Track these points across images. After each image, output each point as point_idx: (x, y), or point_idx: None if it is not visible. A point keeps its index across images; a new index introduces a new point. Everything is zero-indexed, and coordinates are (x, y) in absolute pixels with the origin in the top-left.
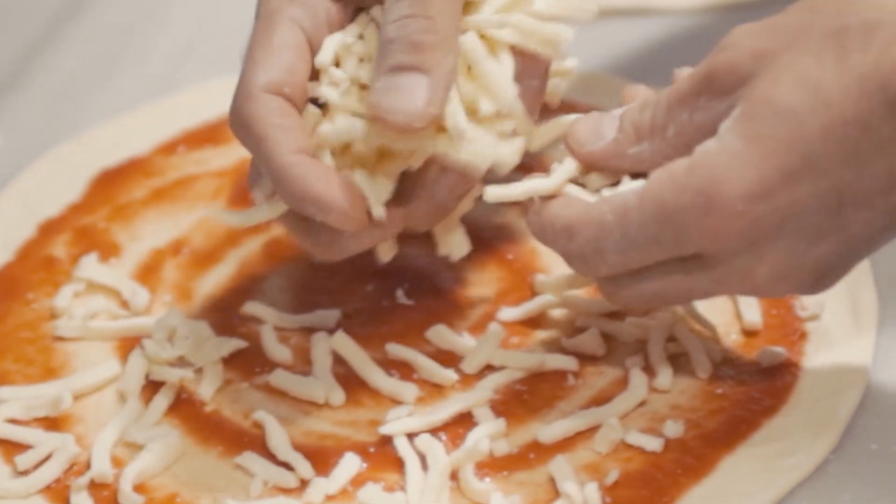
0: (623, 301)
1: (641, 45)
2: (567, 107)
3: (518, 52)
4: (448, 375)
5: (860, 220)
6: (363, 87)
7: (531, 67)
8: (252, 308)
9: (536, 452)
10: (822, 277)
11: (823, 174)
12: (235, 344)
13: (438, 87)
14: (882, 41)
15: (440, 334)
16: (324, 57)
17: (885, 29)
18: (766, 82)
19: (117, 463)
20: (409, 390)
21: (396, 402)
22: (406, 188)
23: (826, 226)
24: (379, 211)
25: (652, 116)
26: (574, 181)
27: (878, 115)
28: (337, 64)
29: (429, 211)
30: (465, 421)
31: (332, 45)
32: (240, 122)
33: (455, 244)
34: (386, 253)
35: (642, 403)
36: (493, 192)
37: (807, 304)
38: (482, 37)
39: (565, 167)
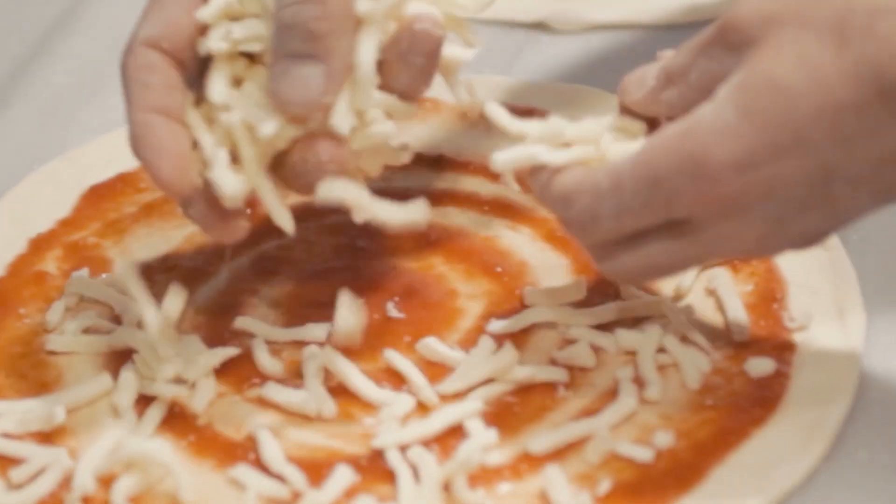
0: (616, 272)
1: (623, 58)
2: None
3: (404, 27)
4: (430, 397)
5: (846, 197)
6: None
7: (416, 43)
8: (243, 322)
9: (528, 463)
10: (808, 240)
11: (813, 152)
12: (227, 353)
13: (334, 75)
14: (883, 31)
15: (430, 347)
16: (206, 12)
17: (887, 19)
18: (768, 54)
19: (110, 477)
20: (401, 402)
21: (388, 414)
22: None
23: (812, 199)
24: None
25: (681, 62)
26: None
27: (872, 103)
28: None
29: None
30: (456, 433)
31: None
32: (121, 74)
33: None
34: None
35: (633, 414)
36: (501, 159)
37: (795, 314)
38: None
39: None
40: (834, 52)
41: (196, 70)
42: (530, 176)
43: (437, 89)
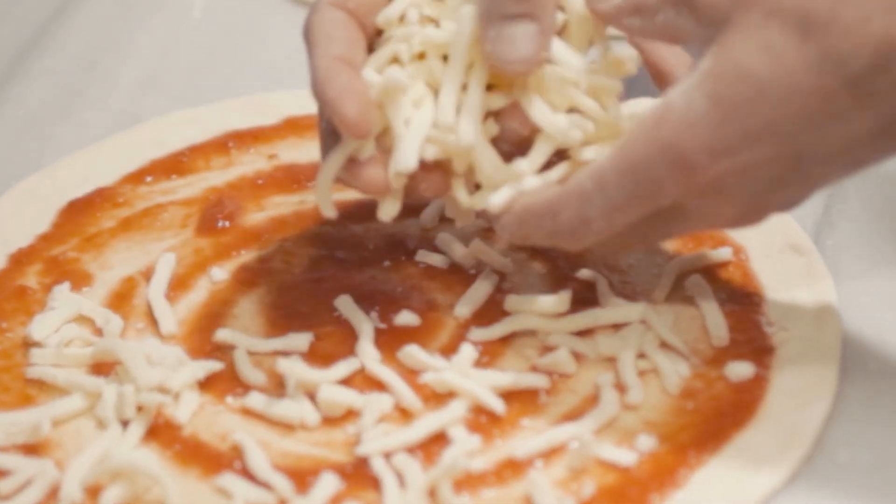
0: (612, 252)
1: None
2: None
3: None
4: (413, 403)
5: (820, 172)
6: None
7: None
8: (224, 335)
9: (512, 469)
10: (789, 206)
11: (783, 136)
12: (211, 366)
13: (547, 32)
14: (845, 21)
15: (412, 355)
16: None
17: (849, 9)
18: (735, 41)
19: (97, 488)
20: (380, 402)
21: (370, 417)
22: None
23: (788, 176)
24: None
25: None
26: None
27: (837, 89)
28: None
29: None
30: (439, 440)
31: None
32: (304, 31)
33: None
34: (387, 211)
35: (615, 419)
36: (496, 201)
37: (773, 319)
38: None
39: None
40: (798, 41)
41: (372, 40)
42: (495, 220)
43: None
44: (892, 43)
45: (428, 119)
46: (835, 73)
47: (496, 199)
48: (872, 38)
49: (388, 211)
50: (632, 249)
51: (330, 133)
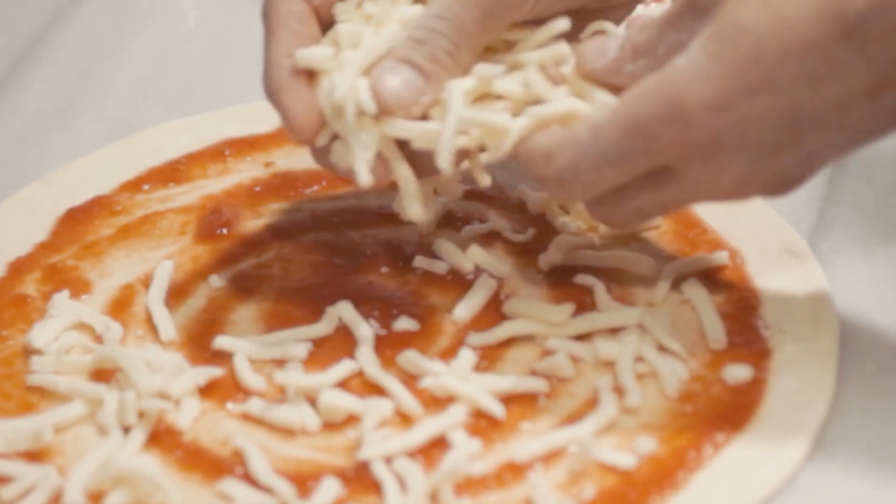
0: (605, 221)
1: None
2: None
3: None
4: (413, 406)
5: (817, 136)
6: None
7: None
8: (223, 342)
9: (512, 472)
10: (784, 184)
11: (782, 91)
12: (212, 373)
13: (430, 96)
14: None
15: (411, 360)
16: None
17: None
18: (735, 3)
19: (100, 494)
20: (380, 407)
21: (370, 423)
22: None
23: (785, 140)
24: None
25: (647, 37)
26: None
27: (835, 40)
28: None
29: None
30: (439, 444)
31: None
32: (264, 13)
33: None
34: (413, 211)
35: (614, 423)
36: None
37: (770, 322)
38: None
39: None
40: None
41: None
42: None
43: None
44: None
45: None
46: (832, 22)
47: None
48: None
49: (413, 210)
50: (624, 222)
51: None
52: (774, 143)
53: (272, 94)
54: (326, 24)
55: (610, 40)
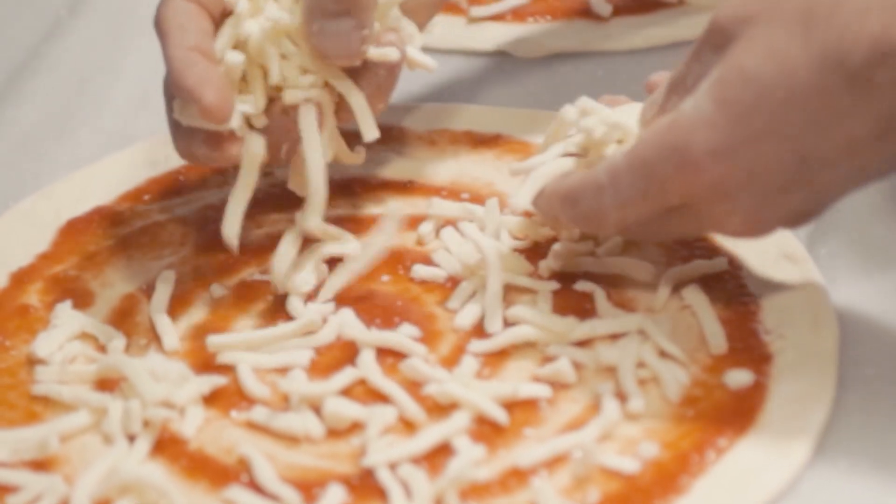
0: (639, 239)
1: (585, 83)
2: (509, 143)
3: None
4: (417, 413)
5: (825, 177)
6: None
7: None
8: (227, 356)
9: (517, 478)
10: (798, 218)
11: (786, 138)
12: (215, 381)
13: (367, 26)
14: (845, 17)
15: (413, 367)
16: None
17: (847, 7)
18: (740, 49)
19: (106, 502)
20: (384, 414)
21: (374, 430)
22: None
23: (792, 181)
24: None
25: (679, 71)
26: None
27: (838, 87)
28: None
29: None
30: (443, 450)
31: None
32: (156, 22)
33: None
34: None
35: (616, 428)
36: (518, 201)
37: (770, 327)
38: None
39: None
40: (801, 41)
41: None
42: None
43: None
44: (890, 39)
45: None
46: (835, 71)
47: (516, 202)
48: (870, 32)
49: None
50: (657, 240)
51: (178, 124)
52: (781, 183)
53: (178, 81)
54: (215, 19)
55: (654, 94)
